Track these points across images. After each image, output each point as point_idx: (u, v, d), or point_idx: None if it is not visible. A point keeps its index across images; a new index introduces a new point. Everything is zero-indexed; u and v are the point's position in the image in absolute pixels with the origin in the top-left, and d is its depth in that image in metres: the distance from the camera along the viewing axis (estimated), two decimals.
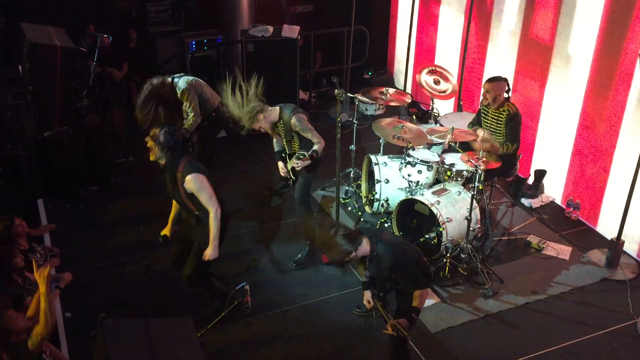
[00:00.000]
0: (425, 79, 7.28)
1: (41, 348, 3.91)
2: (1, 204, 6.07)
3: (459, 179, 6.00)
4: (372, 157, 6.38)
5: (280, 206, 6.86)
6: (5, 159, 6.84)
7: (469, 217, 5.62)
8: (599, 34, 5.99)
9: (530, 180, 6.97)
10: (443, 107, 8.07)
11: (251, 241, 6.31)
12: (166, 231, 5.11)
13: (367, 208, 6.61)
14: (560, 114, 6.61)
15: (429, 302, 5.35)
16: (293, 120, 5.40)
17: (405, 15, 8.98)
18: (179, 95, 6.14)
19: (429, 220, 5.81)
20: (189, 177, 4.52)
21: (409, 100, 7.05)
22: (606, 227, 6.26)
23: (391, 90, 6.82)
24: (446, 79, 7.27)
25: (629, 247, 5.99)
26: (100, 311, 3.84)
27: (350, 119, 6.99)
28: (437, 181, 6.12)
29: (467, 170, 5.86)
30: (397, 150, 6.50)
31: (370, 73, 9.54)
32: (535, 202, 6.77)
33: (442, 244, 5.67)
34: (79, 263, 5.82)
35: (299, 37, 8.00)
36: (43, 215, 6.64)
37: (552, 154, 6.82)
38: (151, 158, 4.63)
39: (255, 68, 7.84)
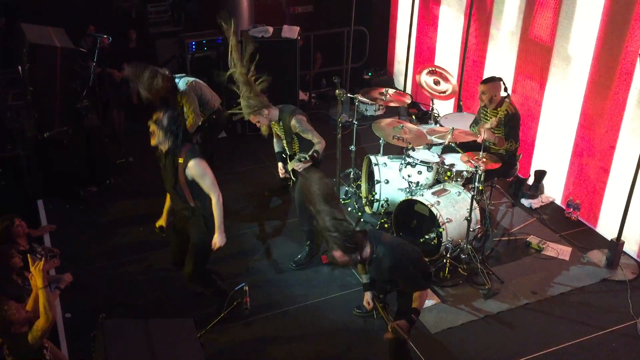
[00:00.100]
0: (425, 79, 7.28)
1: (42, 343, 3.91)
2: (1, 204, 6.06)
3: (459, 179, 6.00)
4: (372, 158, 6.38)
5: (280, 207, 6.86)
6: (5, 160, 6.83)
7: (469, 218, 5.62)
8: (599, 34, 6.00)
9: (530, 181, 6.97)
10: (443, 107, 8.07)
11: (251, 242, 6.31)
12: (162, 222, 5.07)
13: (367, 208, 6.61)
14: (560, 114, 6.62)
15: (428, 302, 5.35)
16: (293, 121, 5.41)
17: (405, 15, 8.99)
18: (178, 97, 6.15)
19: (429, 220, 5.81)
20: (192, 162, 4.48)
21: (409, 101, 7.05)
22: (606, 227, 6.26)
23: (391, 91, 6.81)
24: (446, 80, 7.27)
25: (629, 248, 5.99)
26: (100, 312, 3.85)
27: (350, 120, 6.99)
28: (437, 182, 6.12)
29: (467, 171, 5.86)
30: (397, 151, 6.50)
31: (370, 74, 9.54)
32: (535, 203, 6.77)
33: (442, 244, 5.67)
34: (79, 263, 5.82)
35: (299, 37, 8.00)
36: (43, 216, 6.64)
37: (552, 155, 6.82)
38: (152, 143, 4.55)
39: (255, 69, 7.92)
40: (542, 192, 6.89)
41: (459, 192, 5.87)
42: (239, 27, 8.46)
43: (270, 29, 7.98)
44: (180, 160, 4.50)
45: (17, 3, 8.39)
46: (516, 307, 5.43)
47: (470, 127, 6.35)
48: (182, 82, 6.25)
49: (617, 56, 5.84)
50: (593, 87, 6.17)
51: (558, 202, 6.85)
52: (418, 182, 5.98)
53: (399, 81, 9.52)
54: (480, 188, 5.83)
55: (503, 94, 6.03)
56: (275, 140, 5.80)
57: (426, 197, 5.75)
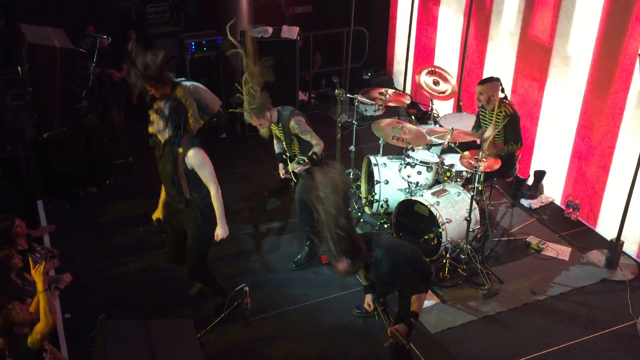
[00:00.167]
0: (425, 79, 7.28)
1: (41, 346, 3.91)
2: (1, 204, 6.06)
3: (458, 179, 6.01)
4: (372, 158, 6.38)
5: (280, 207, 6.86)
6: (4, 160, 6.83)
7: (468, 218, 5.62)
8: (598, 34, 6.00)
9: (530, 181, 6.97)
10: (442, 107, 8.07)
11: (250, 242, 6.31)
12: (158, 214, 5.04)
13: (366, 209, 6.61)
14: (559, 115, 6.62)
15: (428, 302, 5.35)
16: (292, 122, 5.41)
17: (404, 15, 8.99)
18: None
19: (429, 221, 5.82)
20: (191, 152, 4.47)
21: (408, 101, 7.05)
22: (606, 227, 6.26)
23: (390, 91, 6.82)
24: (445, 80, 7.27)
25: (629, 248, 5.99)
26: (100, 312, 3.85)
27: (350, 120, 6.99)
28: (436, 182, 6.12)
29: (466, 171, 5.86)
30: (397, 151, 6.50)
31: (369, 74, 9.54)
32: (534, 203, 6.77)
33: (442, 244, 5.67)
34: (78, 264, 5.82)
35: (299, 38, 8.00)
36: (42, 216, 6.63)
37: (551, 155, 6.83)
38: (150, 130, 4.51)
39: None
40: (541, 193, 6.89)
41: (459, 192, 5.87)
42: (238, 27, 8.48)
43: (270, 30, 7.98)
44: (180, 150, 4.47)
45: (17, 3, 8.38)
46: (516, 308, 5.43)
47: (472, 130, 6.34)
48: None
49: (617, 56, 5.85)
50: (592, 87, 6.17)
51: (557, 202, 6.85)
52: (418, 183, 5.98)
53: (398, 81, 9.52)
54: (480, 188, 5.83)
55: (501, 94, 6.02)
56: (275, 141, 5.80)
57: (426, 198, 5.75)
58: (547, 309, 5.42)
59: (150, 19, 9.17)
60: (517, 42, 7.01)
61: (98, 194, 7.03)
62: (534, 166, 7.01)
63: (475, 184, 5.59)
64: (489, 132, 5.84)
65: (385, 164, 6.29)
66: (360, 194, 6.72)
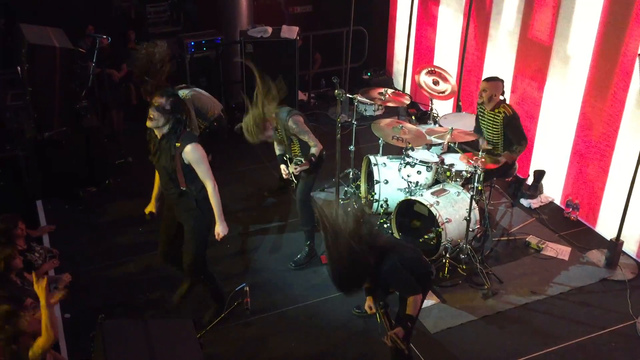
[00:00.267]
0: (425, 79, 7.28)
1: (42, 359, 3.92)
2: (0, 204, 6.06)
3: (458, 179, 6.00)
4: (372, 158, 6.38)
5: (280, 207, 6.86)
6: (4, 160, 6.83)
7: (468, 218, 5.62)
8: (598, 34, 6.00)
9: (530, 181, 6.97)
10: (442, 107, 8.07)
11: (250, 242, 6.31)
12: (151, 207, 5.03)
13: (366, 209, 6.61)
14: (559, 115, 6.62)
15: (428, 302, 5.35)
16: (289, 122, 5.41)
17: (404, 15, 8.99)
18: None
19: (428, 220, 5.82)
20: (189, 147, 4.45)
21: (408, 101, 7.05)
22: (605, 227, 6.27)
23: (390, 91, 6.81)
24: (445, 80, 7.27)
25: (628, 248, 5.99)
26: (100, 312, 3.84)
27: (350, 120, 6.99)
28: (436, 182, 6.12)
29: (466, 171, 5.86)
30: (397, 151, 6.50)
31: (369, 74, 9.54)
32: (534, 203, 6.77)
33: (442, 244, 5.67)
34: (78, 264, 5.82)
35: (298, 37, 8.00)
36: (42, 216, 6.63)
37: (551, 154, 6.83)
38: (149, 124, 4.46)
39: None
40: (541, 192, 6.89)
41: (458, 192, 5.87)
42: (237, 27, 8.49)
43: (269, 29, 7.98)
44: (178, 145, 4.46)
45: (17, 3, 8.38)
46: (515, 307, 5.43)
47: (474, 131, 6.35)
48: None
49: (616, 56, 5.85)
50: (592, 87, 6.17)
51: (557, 202, 6.85)
52: (417, 182, 5.99)
53: (398, 81, 9.52)
54: (480, 188, 5.83)
55: (502, 97, 6.02)
56: (275, 143, 5.80)
57: (425, 197, 5.75)
58: (546, 309, 5.42)
59: (150, 18, 9.16)
60: (516, 41, 7.01)
61: (98, 194, 7.03)
62: (534, 166, 7.01)
63: (475, 184, 5.59)
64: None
65: (384, 163, 6.29)
66: (360, 193, 6.72)
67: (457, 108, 7.73)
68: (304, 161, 5.46)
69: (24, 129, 6.85)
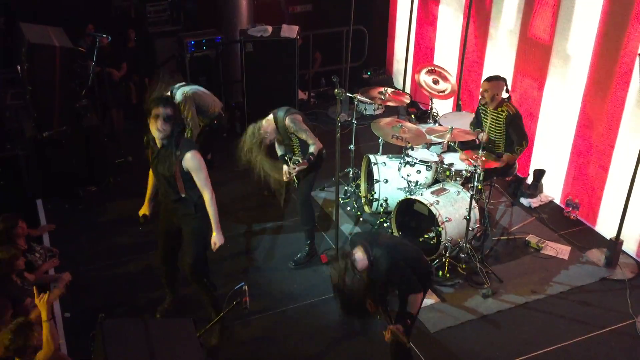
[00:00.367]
0: (424, 78, 7.28)
1: None
2: (0, 204, 6.06)
3: (458, 178, 6.01)
4: (371, 157, 6.39)
5: (279, 206, 6.85)
6: (4, 159, 6.82)
7: (468, 217, 5.62)
8: (598, 33, 6.00)
9: (529, 180, 6.97)
10: (442, 106, 8.06)
11: (250, 241, 6.31)
12: (145, 210, 5.02)
13: (366, 208, 6.61)
14: (559, 114, 6.62)
15: (428, 301, 5.35)
16: (287, 121, 5.41)
17: (404, 15, 8.99)
18: None
19: (428, 220, 5.82)
20: (189, 154, 4.45)
21: (408, 100, 7.05)
22: (605, 226, 6.27)
23: (390, 90, 6.81)
24: (445, 79, 7.27)
25: (628, 247, 5.99)
26: (100, 311, 3.85)
27: (349, 119, 6.99)
28: (436, 181, 6.12)
29: (466, 170, 5.86)
30: (396, 150, 6.50)
31: (369, 73, 9.54)
32: (534, 202, 6.77)
33: (441, 243, 5.67)
34: (78, 263, 5.82)
35: (298, 37, 8.00)
36: (42, 216, 6.63)
37: (551, 154, 6.83)
38: (158, 135, 4.43)
39: (254, 68, 7.93)
40: (541, 191, 6.90)
41: (458, 191, 5.87)
42: (237, 26, 8.48)
43: (270, 29, 7.98)
44: (177, 152, 4.45)
45: (17, 3, 8.37)
46: (515, 306, 5.43)
47: (470, 126, 6.35)
48: (178, 93, 6.26)
49: (616, 55, 5.85)
50: (592, 86, 6.17)
51: (557, 201, 6.85)
52: (417, 182, 5.99)
53: (398, 80, 9.52)
54: (480, 187, 5.83)
55: (505, 94, 6.02)
56: (277, 143, 5.79)
57: (425, 197, 5.75)
58: (546, 308, 5.42)
59: (150, 18, 9.15)
60: (516, 41, 7.00)
61: (98, 193, 7.03)
62: (534, 165, 7.01)
63: (475, 183, 5.59)
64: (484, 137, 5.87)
65: (384, 162, 6.29)
66: (360, 192, 6.72)
67: (457, 107, 7.73)
68: (301, 160, 5.46)
69: (24, 128, 6.85)
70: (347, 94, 6.86)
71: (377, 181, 6.22)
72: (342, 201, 6.76)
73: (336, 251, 5.96)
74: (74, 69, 6.83)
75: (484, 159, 5.53)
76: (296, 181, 5.78)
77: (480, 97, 6.09)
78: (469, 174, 5.85)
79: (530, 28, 6.78)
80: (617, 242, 5.78)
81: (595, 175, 6.30)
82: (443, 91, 7.25)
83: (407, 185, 6.00)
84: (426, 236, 5.84)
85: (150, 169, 4.87)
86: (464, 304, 5.45)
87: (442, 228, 5.61)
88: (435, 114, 7.40)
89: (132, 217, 6.54)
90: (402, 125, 6.08)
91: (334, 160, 5.79)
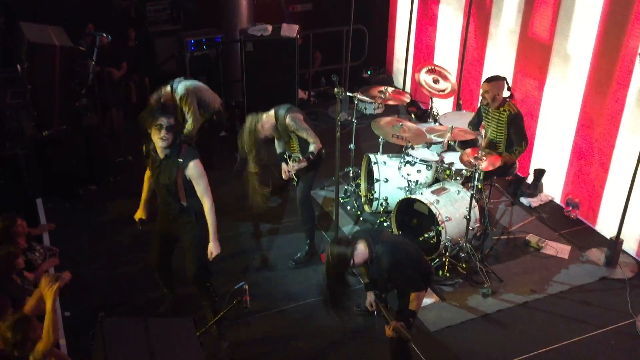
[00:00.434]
0: (425, 78, 7.28)
1: None
2: (0, 203, 6.06)
3: (458, 178, 6.01)
4: (371, 156, 6.38)
5: (280, 206, 6.86)
6: (4, 159, 6.83)
7: (468, 216, 5.62)
8: (598, 32, 5.99)
9: (530, 179, 6.97)
10: (442, 106, 8.06)
11: (250, 240, 6.31)
12: (140, 214, 5.01)
13: (366, 207, 6.61)
14: (559, 113, 6.62)
15: (428, 301, 5.35)
16: (288, 119, 5.41)
17: (404, 14, 8.98)
18: (177, 100, 6.15)
19: (428, 219, 5.82)
20: (192, 163, 4.46)
21: (408, 100, 7.05)
22: (605, 226, 6.26)
23: (390, 89, 6.81)
24: (445, 78, 7.27)
25: (628, 246, 5.99)
26: (100, 310, 3.84)
27: (350, 118, 6.99)
28: (436, 180, 6.12)
29: (466, 170, 5.86)
30: (397, 150, 6.50)
31: (369, 72, 9.54)
32: (534, 201, 6.77)
33: (441, 243, 5.67)
34: (78, 262, 5.82)
35: (298, 36, 8.00)
36: (42, 215, 6.63)
37: (551, 153, 6.83)
38: (162, 145, 4.43)
39: (254, 67, 7.93)
40: (541, 191, 6.89)
41: (458, 190, 5.87)
42: (237, 25, 8.47)
43: (270, 28, 7.98)
44: (180, 161, 4.47)
45: (17, 2, 8.37)
46: (515, 306, 5.43)
47: (468, 126, 6.35)
48: (180, 86, 6.25)
49: (617, 55, 5.84)
50: (592, 86, 6.17)
51: (557, 200, 6.85)
52: (417, 181, 5.99)
53: (398, 80, 9.52)
54: (480, 187, 5.83)
55: (506, 93, 6.02)
56: (276, 141, 5.79)
57: (425, 196, 5.75)
58: (546, 308, 5.42)
59: (150, 17, 9.15)
60: (516, 40, 7.00)
61: (98, 193, 7.03)
62: (534, 164, 7.01)
63: (475, 182, 5.59)
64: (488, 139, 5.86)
65: (385, 162, 6.29)
66: (360, 192, 6.72)
67: (457, 106, 7.73)
68: (301, 157, 5.46)
69: (23, 128, 6.85)
70: (347, 94, 6.86)
71: (377, 180, 6.22)
72: (342, 200, 6.76)
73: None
74: (74, 68, 6.83)
75: (484, 158, 5.52)
76: (295, 179, 5.78)
77: (481, 98, 6.09)
78: (469, 174, 5.85)
79: (530, 27, 6.78)
80: (617, 241, 5.78)
81: (595, 174, 6.30)
82: (443, 90, 7.24)
83: (407, 185, 6.00)
84: (426, 235, 5.84)
85: (146, 173, 4.87)
86: (464, 303, 5.45)
87: (442, 227, 5.61)
88: (435, 113, 7.40)
89: (132, 217, 6.52)
90: (402, 125, 6.08)
91: (334, 159, 5.79)
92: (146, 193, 5.00)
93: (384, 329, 4.31)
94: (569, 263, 5.93)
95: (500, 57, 7.30)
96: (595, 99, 6.16)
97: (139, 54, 8.73)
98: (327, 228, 6.41)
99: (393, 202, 6.11)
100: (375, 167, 6.25)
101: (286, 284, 5.71)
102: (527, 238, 6.19)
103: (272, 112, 5.52)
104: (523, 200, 6.81)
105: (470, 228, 5.72)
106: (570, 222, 6.51)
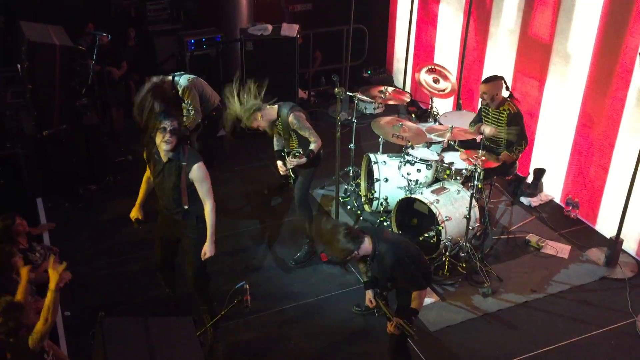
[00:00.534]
0: (425, 77, 7.28)
1: (42, 346, 3.90)
2: (0, 202, 6.06)
3: (458, 177, 6.01)
4: (372, 156, 6.38)
5: (279, 205, 6.86)
6: (4, 158, 6.83)
7: (468, 216, 5.62)
8: (598, 32, 5.99)
9: (530, 179, 6.97)
10: (442, 105, 8.06)
11: (250, 240, 6.31)
12: (136, 214, 4.98)
13: (366, 207, 6.61)
14: (559, 113, 6.62)
15: (428, 300, 5.35)
16: (290, 118, 5.40)
17: (404, 13, 8.98)
18: (180, 92, 6.14)
19: (428, 218, 5.82)
20: (196, 166, 4.46)
21: (408, 99, 7.05)
22: (605, 225, 6.27)
23: (390, 89, 6.82)
24: (445, 78, 7.27)
25: (628, 246, 5.99)
26: (100, 310, 3.84)
27: (350, 118, 6.99)
28: (436, 180, 6.12)
29: (466, 169, 5.86)
30: (397, 149, 6.50)
31: (369, 72, 9.54)
32: (534, 201, 6.77)
33: (441, 242, 5.67)
34: (78, 262, 5.80)
35: (298, 35, 8.00)
36: (42, 214, 6.63)
37: (551, 153, 6.83)
38: (166, 148, 4.43)
39: (255, 67, 7.93)
40: (541, 191, 6.89)
41: (458, 190, 5.87)
42: (237, 24, 8.47)
43: (270, 27, 7.98)
44: (184, 164, 4.46)
45: (17, 1, 8.36)
46: (515, 305, 5.43)
47: (470, 125, 6.35)
48: (183, 79, 6.25)
49: (617, 54, 5.84)
50: (592, 85, 6.17)
51: (557, 200, 6.85)
52: (417, 180, 5.98)
53: (398, 79, 9.51)
54: (480, 186, 5.83)
55: (505, 93, 6.02)
56: (275, 138, 5.79)
57: (425, 195, 5.75)
58: (546, 307, 5.42)
59: (150, 16, 9.14)
60: (517, 40, 7.00)
61: (98, 192, 7.03)
62: (534, 164, 7.01)
63: (475, 182, 5.59)
64: (488, 130, 5.83)
65: (385, 161, 6.29)
66: (360, 191, 6.72)
67: (457, 106, 7.73)
68: (301, 152, 5.44)
69: (23, 127, 6.84)
70: (347, 93, 6.86)
71: (377, 180, 6.22)
72: (342, 200, 6.76)
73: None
74: (74, 67, 6.83)
75: (484, 158, 5.52)
76: (293, 177, 5.77)
77: (480, 98, 6.09)
78: (469, 173, 5.85)
79: (530, 27, 6.77)
80: (617, 241, 5.78)
81: (595, 174, 6.30)
82: (443, 90, 7.25)
83: (407, 184, 6.00)
84: (426, 235, 5.84)
85: (145, 174, 4.87)
86: (464, 303, 5.45)
87: (442, 227, 5.61)
88: (435, 112, 7.40)
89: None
90: (402, 124, 6.08)
91: (334, 159, 5.80)
92: (143, 194, 4.99)
93: (384, 329, 4.31)
94: (569, 263, 5.93)
95: (500, 57, 7.30)
96: (595, 98, 6.16)
97: (139, 54, 8.73)
98: None
99: (393, 201, 6.11)
100: (375, 167, 6.25)
101: (286, 284, 5.71)
102: (527, 238, 6.19)
103: (275, 106, 5.50)
104: (523, 199, 6.81)
105: (470, 228, 5.72)
106: (570, 222, 6.51)
